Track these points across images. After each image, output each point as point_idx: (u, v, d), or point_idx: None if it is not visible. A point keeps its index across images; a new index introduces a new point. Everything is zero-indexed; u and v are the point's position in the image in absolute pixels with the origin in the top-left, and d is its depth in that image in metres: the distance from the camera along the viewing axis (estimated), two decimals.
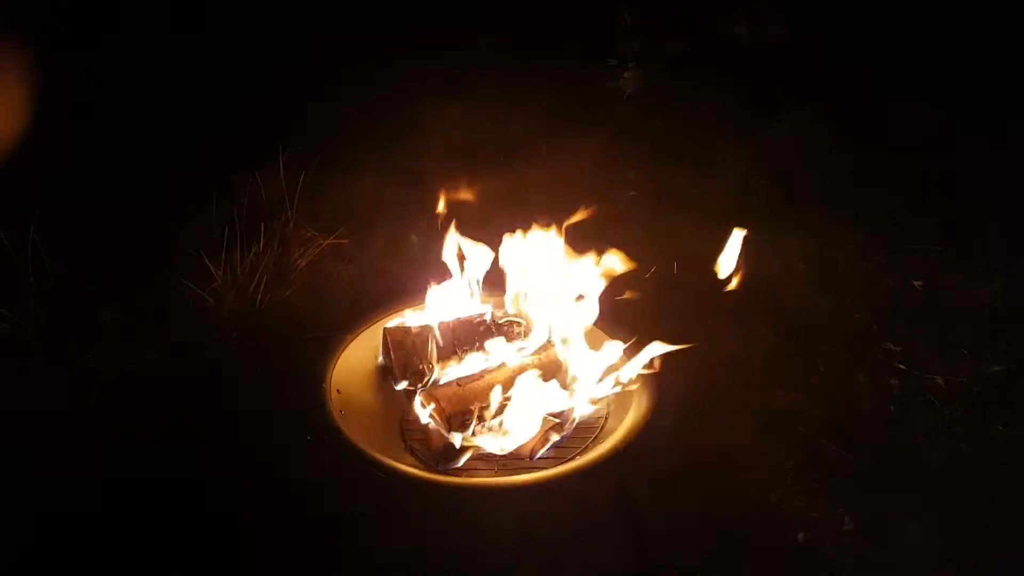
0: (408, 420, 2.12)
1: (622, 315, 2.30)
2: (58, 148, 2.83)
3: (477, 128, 3.54)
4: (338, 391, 2.08)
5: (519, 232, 2.24)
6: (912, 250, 2.92)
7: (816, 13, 4.00)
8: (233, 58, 3.43)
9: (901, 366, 2.40)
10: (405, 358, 2.11)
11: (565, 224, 2.27)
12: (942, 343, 2.48)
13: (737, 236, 2.17)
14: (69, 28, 3.13)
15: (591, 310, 2.16)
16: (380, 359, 2.20)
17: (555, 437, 1.97)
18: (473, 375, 2.04)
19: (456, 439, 1.92)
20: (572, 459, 1.94)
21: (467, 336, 2.11)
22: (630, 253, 2.91)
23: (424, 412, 1.96)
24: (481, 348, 2.08)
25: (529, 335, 2.15)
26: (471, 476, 1.93)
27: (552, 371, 2.08)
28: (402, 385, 2.11)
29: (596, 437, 2.03)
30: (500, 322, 2.15)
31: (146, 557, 1.81)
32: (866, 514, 1.92)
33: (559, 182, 3.26)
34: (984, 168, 3.21)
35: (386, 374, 2.18)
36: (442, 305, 2.23)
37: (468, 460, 1.96)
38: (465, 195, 2.68)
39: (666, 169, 3.47)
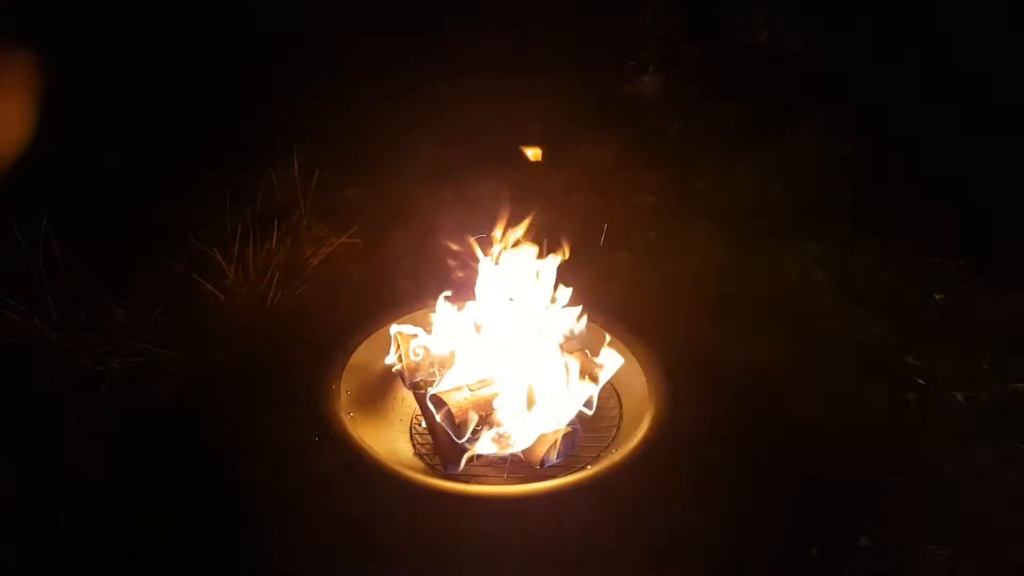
0: (417, 423, 2.10)
1: (636, 323, 2.27)
2: (71, 143, 2.83)
3: (494, 130, 3.52)
4: (347, 392, 2.07)
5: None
6: (934, 262, 2.88)
7: (836, 17, 3.96)
8: (247, 56, 3.42)
9: (920, 381, 2.35)
10: (416, 361, 2.09)
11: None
12: (963, 358, 2.43)
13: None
14: (83, 25, 3.14)
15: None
16: (391, 361, 2.18)
17: (562, 448, 1.94)
18: (484, 380, 2.01)
19: (465, 444, 1.90)
20: (583, 468, 1.91)
21: None
22: (646, 258, 2.91)
23: (434, 416, 1.93)
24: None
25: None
26: (480, 483, 1.90)
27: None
28: (412, 388, 2.09)
29: (608, 446, 2.00)
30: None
31: (147, 552, 1.80)
32: (882, 531, 1.88)
33: (575, 186, 3.24)
34: (1013, 180, 3.15)
35: (397, 376, 2.16)
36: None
37: (477, 467, 1.94)
38: (480, 197, 2.66)
39: (684, 174, 3.44)
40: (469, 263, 2.20)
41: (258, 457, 1.99)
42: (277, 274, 2.61)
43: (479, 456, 1.93)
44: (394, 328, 2.16)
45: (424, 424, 2.07)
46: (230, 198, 2.80)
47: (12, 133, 2.75)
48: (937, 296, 2.73)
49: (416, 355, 2.08)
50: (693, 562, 1.80)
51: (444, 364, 2.06)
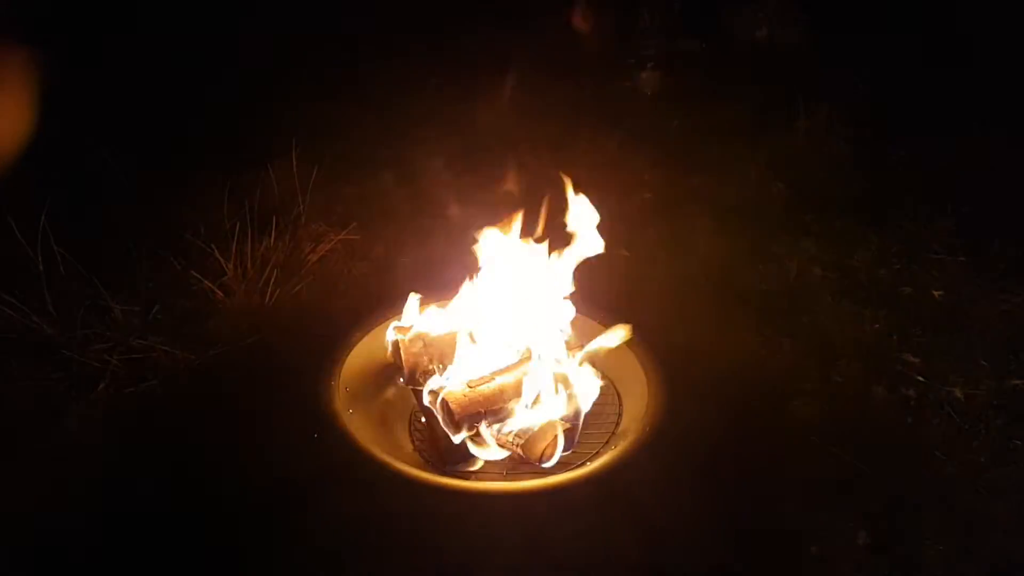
0: (417, 420, 2.10)
1: (634, 320, 2.27)
2: (70, 139, 2.83)
3: (492, 127, 3.51)
4: (346, 389, 2.06)
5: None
6: (933, 259, 2.88)
7: (835, 12, 3.96)
8: (247, 53, 3.42)
9: (919, 377, 2.36)
10: (415, 357, 2.09)
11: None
12: (961, 355, 2.44)
13: None
14: (82, 23, 3.13)
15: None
16: (390, 357, 2.18)
17: (564, 442, 1.94)
18: (484, 377, 2.01)
19: (464, 441, 1.90)
20: (583, 464, 1.91)
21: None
22: (645, 255, 2.90)
23: (433, 413, 1.93)
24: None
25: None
26: (479, 480, 1.90)
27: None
28: (411, 385, 2.09)
29: (608, 443, 2.00)
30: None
31: (146, 552, 1.80)
32: (881, 529, 1.89)
33: (573, 182, 3.23)
34: (1011, 176, 3.15)
35: (396, 373, 2.15)
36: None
37: (477, 464, 1.94)
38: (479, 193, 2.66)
39: (682, 171, 3.44)
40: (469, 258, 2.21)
41: (257, 454, 1.98)
42: (275, 271, 2.61)
43: (478, 453, 1.93)
44: (393, 325, 2.16)
45: (424, 420, 2.07)
46: (228, 195, 2.80)
47: (10, 131, 2.74)
48: (936, 293, 2.73)
49: (415, 346, 2.07)
50: (691, 559, 1.80)
51: (443, 360, 2.06)
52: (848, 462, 2.06)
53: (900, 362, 2.43)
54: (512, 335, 2.10)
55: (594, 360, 2.06)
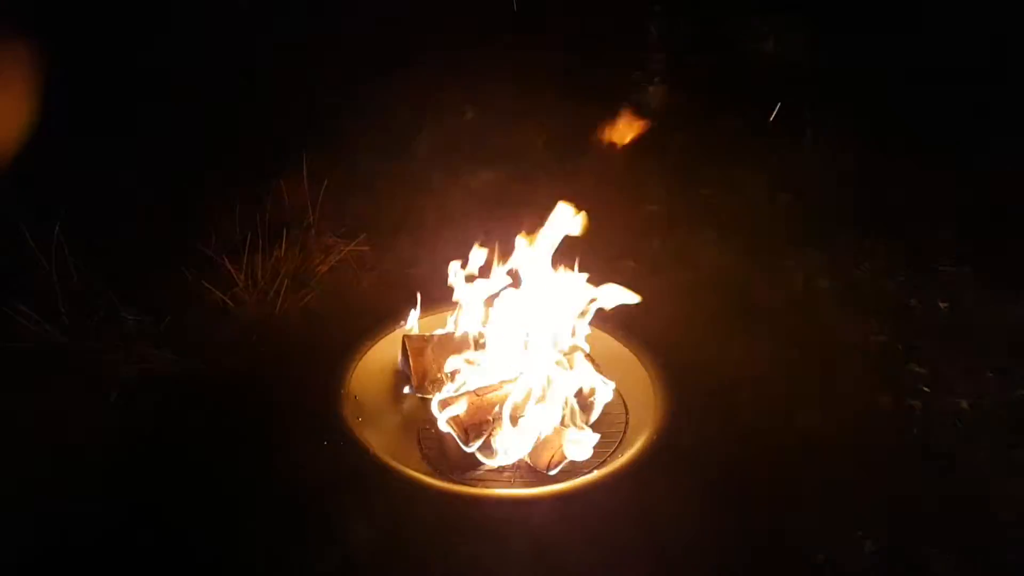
0: (425, 428, 2.11)
1: (640, 330, 2.29)
2: (83, 151, 2.86)
3: (499, 139, 3.55)
4: (355, 397, 2.08)
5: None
6: (938, 270, 2.89)
7: (840, 26, 3.98)
8: (257, 65, 3.46)
9: (925, 388, 2.36)
10: (424, 366, 2.11)
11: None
12: (967, 365, 2.44)
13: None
14: (95, 33, 3.17)
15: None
16: (399, 366, 2.20)
17: (573, 451, 1.95)
18: (492, 385, 2.03)
19: (473, 449, 1.91)
20: (589, 472, 1.92)
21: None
22: (652, 267, 2.92)
23: (441, 421, 1.95)
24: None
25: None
26: (487, 487, 1.91)
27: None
28: (420, 393, 2.11)
29: (614, 451, 2.01)
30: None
31: (156, 557, 1.81)
32: (888, 537, 1.89)
33: (579, 195, 3.26)
34: (1017, 186, 3.16)
35: (404, 381, 2.18)
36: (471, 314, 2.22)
37: (485, 471, 1.95)
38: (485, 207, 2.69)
39: (688, 183, 3.46)
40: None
41: (267, 462, 2.00)
42: (286, 282, 2.64)
43: (486, 460, 1.95)
44: (403, 333, 2.19)
45: (432, 429, 2.08)
46: (240, 206, 2.83)
47: (21, 139, 2.77)
48: (942, 304, 2.74)
49: (423, 354, 2.09)
50: (698, 567, 1.81)
51: (453, 368, 2.08)
52: (854, 471, 2.06)
53: (906, 373, 2.43)
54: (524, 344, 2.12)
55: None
